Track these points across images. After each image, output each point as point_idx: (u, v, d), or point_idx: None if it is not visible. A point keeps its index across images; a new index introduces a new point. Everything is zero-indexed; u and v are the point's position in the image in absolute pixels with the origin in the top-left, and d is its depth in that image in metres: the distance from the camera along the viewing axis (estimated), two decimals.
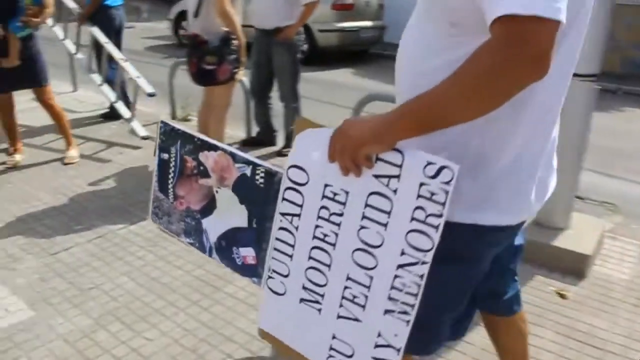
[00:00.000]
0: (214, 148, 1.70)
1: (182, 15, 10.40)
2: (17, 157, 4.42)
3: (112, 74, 5.42)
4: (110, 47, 5.02)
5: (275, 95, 4.76)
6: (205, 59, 3.65)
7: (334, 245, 1.28)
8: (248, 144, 4.90)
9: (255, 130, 4.99)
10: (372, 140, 1.11)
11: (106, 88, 5.34)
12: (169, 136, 1.83)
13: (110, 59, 5.18)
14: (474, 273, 1.35)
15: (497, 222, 1.23)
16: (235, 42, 3.68)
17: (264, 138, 4.94)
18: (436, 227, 1.11)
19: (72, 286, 2.76)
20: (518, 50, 0.93)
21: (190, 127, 5.48)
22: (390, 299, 1.20)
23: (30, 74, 4.21)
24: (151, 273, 2.88)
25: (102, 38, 5.06)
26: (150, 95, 4.45)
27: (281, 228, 1.38)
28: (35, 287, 2.76)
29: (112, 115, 5.53)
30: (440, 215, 1.10)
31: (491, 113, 1.03)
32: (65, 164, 4.42)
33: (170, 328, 2.46)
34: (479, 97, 0.99)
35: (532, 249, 3.14)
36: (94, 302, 2.64)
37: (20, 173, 4.25)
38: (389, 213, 1.17)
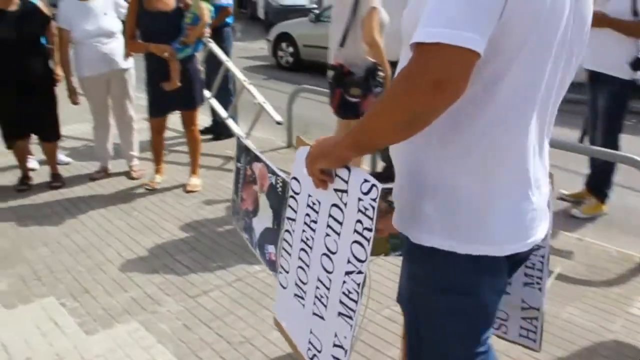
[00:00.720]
0: (259, 160, 2.03)
1: (281, 37, 10.39)
2: (158, 179, 4.35)
3: (229, 92, 5.31)
4: (231, 66, 4.87)
5: None
6: (349, 90, 3.42)
7: (311, 248, 1.42)
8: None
9: (380, 165, 4.70)
10: (320, 156, 1.25)
11: (216, 103, 5.21)
12: (240, 149, 2.20)
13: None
14: (473, 304, 1.24)
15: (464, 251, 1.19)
16: (381, 73, 3.43)
17: (390, 174, 4.62)
18: (368, 240, 1.20)
19: (221, 338, 2.54)
20: (420, 78, 0.98)
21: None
22: (340, 302, 1.30)
23: (187, 96, 4.11)
24: None
25: (223, 56, 4.94)
26: (279, 123, 4.26)
27: (286, 230, 1.54)
28: (180, 335, 2.56)
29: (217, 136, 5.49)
30: (370, 230, 1.18)
31: (447, 136, 1.14)
32: (187, 191, 4.28)
33: None
34: (395, 122, 1.05)
35: None
36: None
37: (145, 199, 4.15)
38: (341, 224, 1.28)
